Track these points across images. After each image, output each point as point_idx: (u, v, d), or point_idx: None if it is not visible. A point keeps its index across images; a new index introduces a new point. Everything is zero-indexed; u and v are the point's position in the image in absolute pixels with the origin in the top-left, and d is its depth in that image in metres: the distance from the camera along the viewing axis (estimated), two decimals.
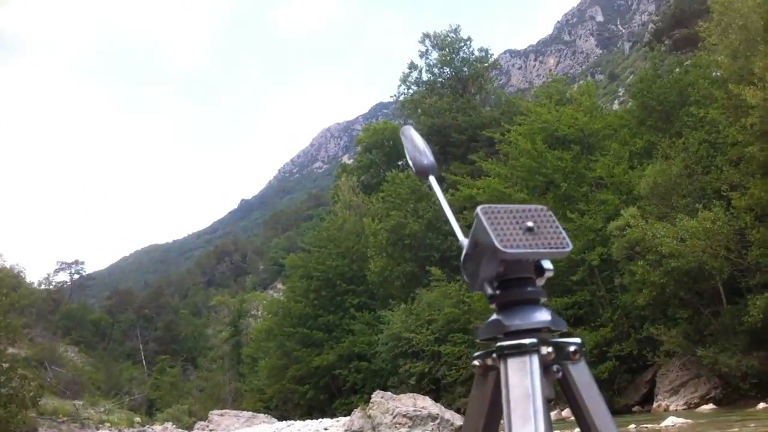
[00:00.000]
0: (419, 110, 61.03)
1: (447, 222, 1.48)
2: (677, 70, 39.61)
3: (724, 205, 24.82)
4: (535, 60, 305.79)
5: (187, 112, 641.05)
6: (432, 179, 1.60)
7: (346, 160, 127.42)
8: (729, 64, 32.24)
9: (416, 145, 1.66)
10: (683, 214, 24.95)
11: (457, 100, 59.42)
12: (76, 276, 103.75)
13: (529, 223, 1.14)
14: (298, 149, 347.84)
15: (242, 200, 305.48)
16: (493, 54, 64.80)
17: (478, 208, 1.16)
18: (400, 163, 66.46)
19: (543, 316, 1.15)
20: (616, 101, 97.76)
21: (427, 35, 61.88)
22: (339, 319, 46.69)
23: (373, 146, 67.71)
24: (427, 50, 61.97)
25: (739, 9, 32.47)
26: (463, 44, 61.08)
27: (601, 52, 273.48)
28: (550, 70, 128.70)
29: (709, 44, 35.01)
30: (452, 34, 61.09)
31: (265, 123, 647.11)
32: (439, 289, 37.55)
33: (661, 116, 35.62)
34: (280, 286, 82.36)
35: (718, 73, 33.04)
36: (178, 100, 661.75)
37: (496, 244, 1.10)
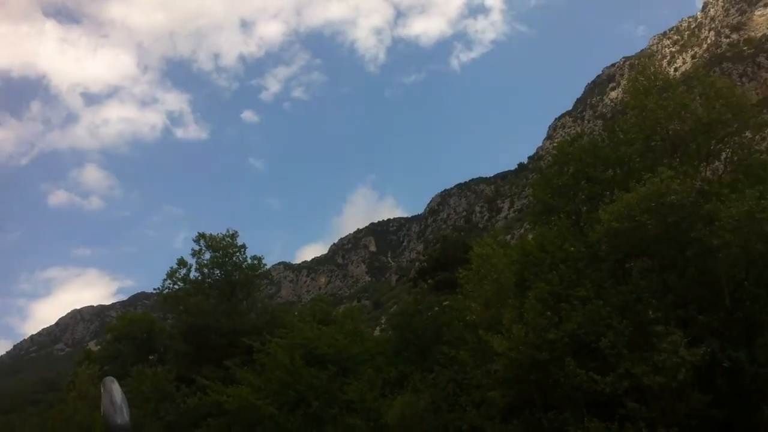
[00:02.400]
0: (182, 307, 59.11)
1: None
2: (436, 308, 41.83)
3: None
4: (308, 276, 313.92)
5: None
6: None
7: (93, 346, 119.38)
8: (481, 312, 34.57)
9: (114, 400, 1.29)
10: None
11: (223, 303, 58.41)
12: None
13: None
14: (41, 326, 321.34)
15: None
16: (266, 264, 65.35)
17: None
18: (151, 357, 63.00)
19: None
20: (378, 328, 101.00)
21: (202, 235, 61.48)
22: None
23: (125, 336, 63.95)
24: (200, 249, 61.30)
25: (495, 264, 35.49)
26: (237, 250, 61.20)
27: (370, 279, 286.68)
28: (320, 288, 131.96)
29: (466, 290, 37.54)
30: (228, 239, 61.18)
31: (11, 295, 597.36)
32: None
33: (416, 350, 36.83)
34: None
35: (472, 318, 35.25)
36: None
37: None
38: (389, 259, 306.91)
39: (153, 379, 45.86)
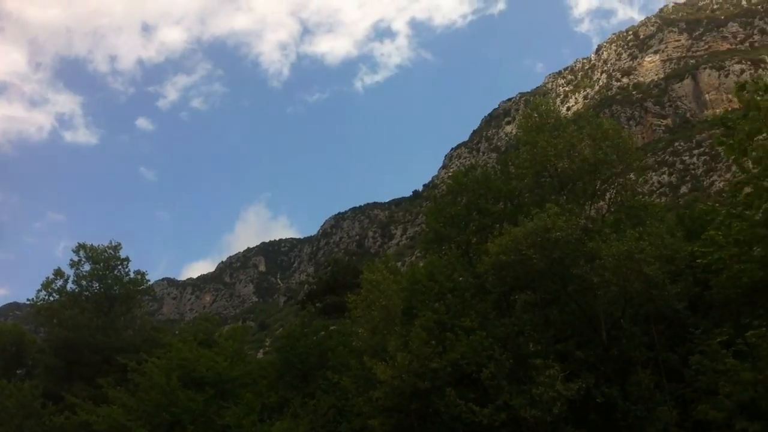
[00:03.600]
0: (55, 320, 56.23)
1: None
2: (322, 333, 41.27)
3: None
4: (192, 294, 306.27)
5: None
6: None
7: None
8: (368, 338, 34.27)
9: None
10: None
11: (100, 318, 55.91)
12: None
13: None
14: None
15: None
16: (149, 279, 63.06)
17: None
18: (19, 371, 59.70)
19: None
20: (262, 350, 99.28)
21: (83, 246, 58.79)
22: None
23: None
24: (80, 260, 58.60)
25: (384, 290, 35.33)
26: (119, 263, 58.86)
27: (257, 299, 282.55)
28: (205, 307, 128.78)
29: (354, 315, 37.19)
30: (110, 251, 58.78)
31: None
32: None
33: (299, 374, 36.15)
34: None
35: (358, 344, 34.91)
36: None
37: None
38: (278, 280, 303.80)
39: (18, 394, 43.34)
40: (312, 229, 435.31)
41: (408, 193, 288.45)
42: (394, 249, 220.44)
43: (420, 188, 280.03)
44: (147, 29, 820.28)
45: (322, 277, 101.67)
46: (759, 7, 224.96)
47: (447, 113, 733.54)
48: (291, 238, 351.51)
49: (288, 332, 40.52)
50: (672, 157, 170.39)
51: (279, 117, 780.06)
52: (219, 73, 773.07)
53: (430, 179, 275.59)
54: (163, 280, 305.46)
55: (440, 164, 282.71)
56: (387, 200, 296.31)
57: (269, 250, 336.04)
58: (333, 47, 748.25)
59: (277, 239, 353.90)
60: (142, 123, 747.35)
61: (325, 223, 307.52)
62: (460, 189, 42.78)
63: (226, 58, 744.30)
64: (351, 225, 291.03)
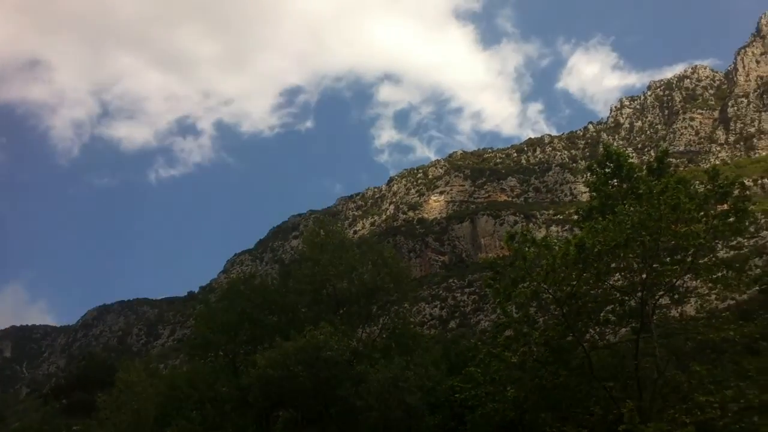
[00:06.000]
0: None
1: None
2: None
3: None
4: None
5: None
6: None
7: None
8: None
9: None
10: None
11: None
12: None
13: None
14: None
15: None
16: None
17: None
18: None
19: None
20: None
21: None
22: None
23: None
24: None
25: (139, 393, 33.14)
26: None
27: None
28: None
29: (101, 417, 34.43)
30: None
31: None
32: None
33: None
34: None
35: None
36: None
37: None
38: (24, 369, 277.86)
39: None
40: (72, 318, 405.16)
41: (183, 293, 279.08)
42: (159, 350, 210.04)
43: (196, 290, 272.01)
44: None
45: (73, 371, 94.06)
46: (536, 167, 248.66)
47: (237, 218, 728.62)
48: (46, 325, 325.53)
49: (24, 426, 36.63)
50: (445, 292, 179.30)
51: (61, 196, 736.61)
52: (2, 140, 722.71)
53: (209, 282, 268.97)
54: None
55: (221, 268, 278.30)
56: (159, 297, 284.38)
57: (19, 335, 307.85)
58: (131, 134, 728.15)
59: (30, 324, 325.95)
60: None
61: (87, 313, 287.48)
62: (236, 296, 41.85)
63: (12, 126, 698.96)
64: (116, 319, 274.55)
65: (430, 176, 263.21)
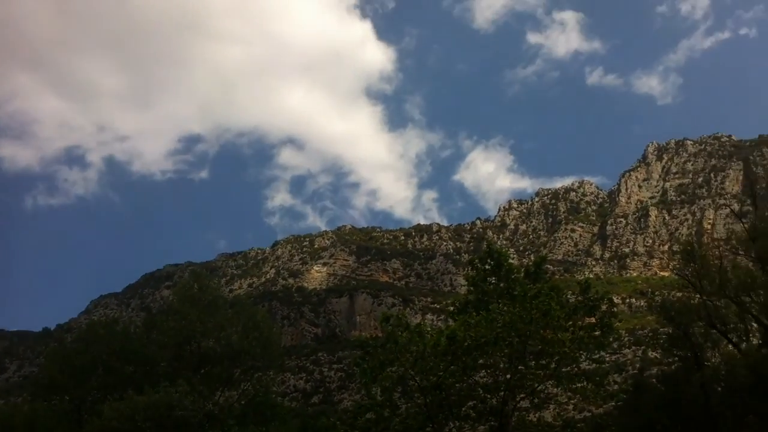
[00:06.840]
0: None
1: None
2: None
3: None
4: None
5: None
6: None
7: None
8: None
9: None
10: None
11: None
12: None
13: None
14: None
15: None
16: None
17: None
18: None
19: None
20: None
21: None
22: None
23: None
24: None
25: None
26: None
27: None
28: None
29: None
30: None
31: None
32: None
33: None
34: None
35: None
36: None
37: None
38: None
39: None
40: None
41: (38, 328, 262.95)
42: (3, 384, 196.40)
43: (53, 326, 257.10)
44: None
45: None
46: (421, 253, 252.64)
47: (110, 258, 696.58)
48: None
49: None
50: (313, 365, 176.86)
51: None
52: None
53: (67, 320, 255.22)
54: None
55: (83, 308, 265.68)
56: (11, 329, 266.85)
57: None
58: (15, 154, 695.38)
59: None
60: None
61: None
62: (94, 339, 39.80)
63: None
64: None
65: (316, 246, 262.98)
